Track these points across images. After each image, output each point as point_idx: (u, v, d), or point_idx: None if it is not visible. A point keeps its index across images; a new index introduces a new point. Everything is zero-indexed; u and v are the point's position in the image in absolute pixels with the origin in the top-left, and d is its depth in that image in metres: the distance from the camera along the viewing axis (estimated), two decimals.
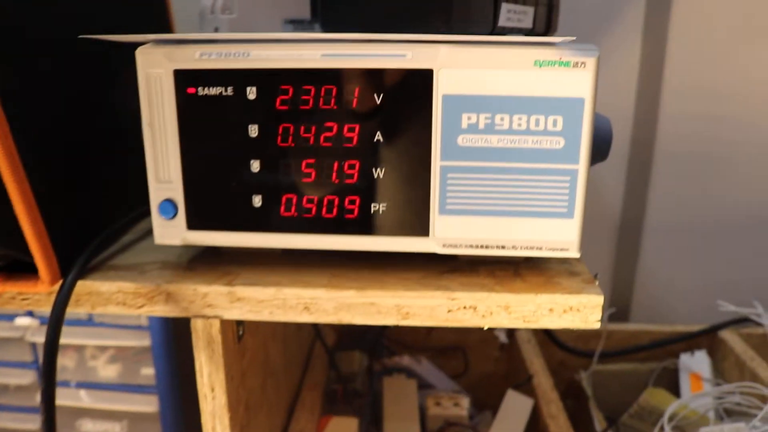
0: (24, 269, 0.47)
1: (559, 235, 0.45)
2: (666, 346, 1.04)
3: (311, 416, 0.77)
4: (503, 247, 0.45)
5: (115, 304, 0.48)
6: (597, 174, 1.08)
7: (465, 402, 0.86)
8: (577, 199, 0.44)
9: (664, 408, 0.92)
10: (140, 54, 0.44)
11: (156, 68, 0.44)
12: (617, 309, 1.13)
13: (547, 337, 1.02)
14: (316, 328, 0.91)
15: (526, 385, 0.87)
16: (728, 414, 0.89)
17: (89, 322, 0.85)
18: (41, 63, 0.47)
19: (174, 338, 0.84)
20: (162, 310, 0.48)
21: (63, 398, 0.88)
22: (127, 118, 0.51)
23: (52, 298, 0.47)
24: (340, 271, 0.49)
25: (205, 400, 0.51)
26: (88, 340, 0.85)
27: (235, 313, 0.47)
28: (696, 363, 1.00)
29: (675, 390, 0.99)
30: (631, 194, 1.08)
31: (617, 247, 1.11)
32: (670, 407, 0.82)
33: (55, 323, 0.46)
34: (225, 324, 0.49)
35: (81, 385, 0.87)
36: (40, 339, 0.87)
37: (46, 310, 0.48)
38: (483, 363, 1.05)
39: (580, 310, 0.46)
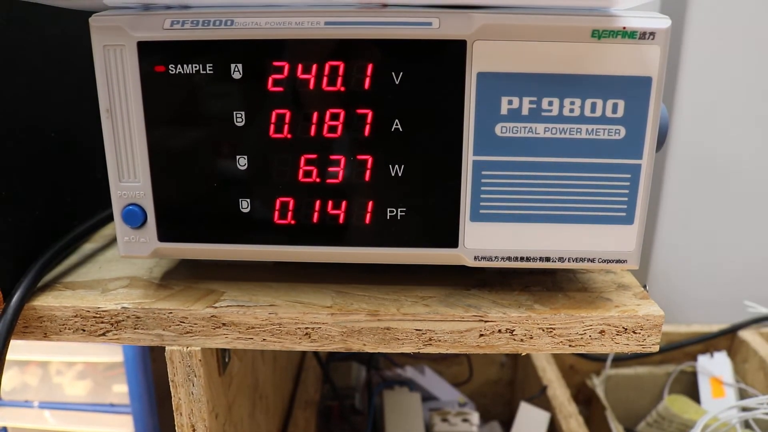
0: None
1: (616, 245, 0.37)
2: (683, 348, 0.98)
3: None
4: (548, 260, 0.37)
5: (72, 331, 0.40)
6: None
7: (474, 418, 0.79)
8: (638, 201, 0.36)
9: (685, 416, 0.86)
10: (95, 23, 0.35)
11: (115, 41, 0.35)
12: None
13: None
14: None
15: (540, 397, 0.80)
16: (757, 424, 0.82)
17: None
18: None
19: (151, 350, 0.75)
20: (130, 338, 0.39)
21: (25, 420, 0.79)
22: (86, 104, 0.42)
23: None
24: (345, 286, 0.41)
25: None
26: (52, 355, 0.75)
27: (219, 342, 0.39)
28: (716, 365, 0.94)
29: (693, 394, 0.93)
30: None
31: None
32: (701, 420, 0.75)
33: None
34: (207, 353, 0.41)
35: (45, 405, 0.78)
36: None
37: None
38: (488, 368, 0.98)
39: (636, 332, 0.39)
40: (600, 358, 0.96)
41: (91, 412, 0.78)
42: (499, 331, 0.38)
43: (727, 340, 0.97)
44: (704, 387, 0.93)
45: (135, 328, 0.39)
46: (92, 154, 0.44)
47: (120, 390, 0.78)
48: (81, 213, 0.47)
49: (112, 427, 0.78)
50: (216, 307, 0.38)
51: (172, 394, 0.41)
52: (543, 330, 0.38)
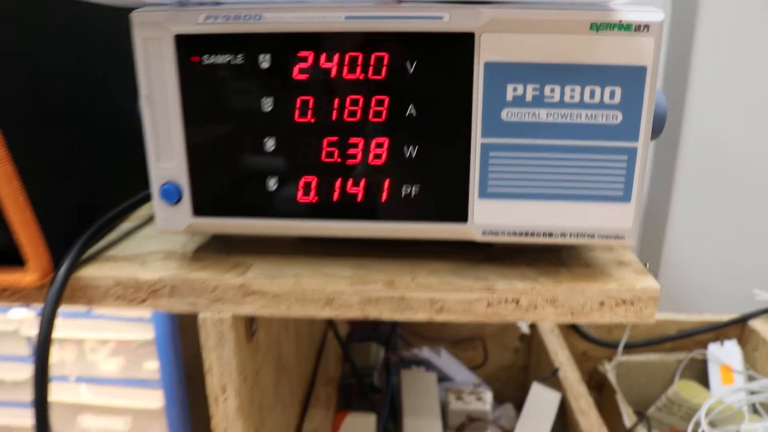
0: (15, 260, 0.42)
1: (614, 222, 0.40)
2: (694, 336, 1.00)
3: (326, 413, 0.72)
4: (550, 235, 0.40)
5: (114, 298, 0.43)
6: None
7: (488, 396, 0.82)
8: (635, 181, 0.39)
9: (694, 401, 0.88)
10: (136, 18, 0.38)
11: (154, 34, 0.39)
12: None
13: (569, 327, 0.98)
14: (329, 320, 0.86)
15: (551, 379, 0.82)
16: (765, 408, 0.84)
17: (88, 314, 0.80)
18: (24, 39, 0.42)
19: (180, 329, 0.79)
20: (166, 305, 0.43)
21: (62, 394, 0.83)
22: (127, 93, 0.45)
23: (44, 292, 0.42)
24: (364, 260, 0.44)
25: (216, 403, 0.46)
26: (87, 333, 0.80)
27: (248, 309, 0.42)
28: (726, 354, 0.96)
29: (704, 381, 0.95)
30: (656, 180, 1.03)
31: (642, 233, 1.07)
32: (706, 402, 0.78)
33: (47, 321, 0.41)
34: (237, 320, 0.44)
35: (81, 379, 0.82)
36: (36, 332, 0.82)
37: (39, 304, 0.43)
38: (502, 353, 1.01)
39: (634, 303, 0.41)
40: (612, 345, 0.98)
41: (124, 387, 0.83)
42: (506, 301, 0.41)
43: (737, 329, 0.99)
44: (714, 374, 0.95)
45: (170, 297, 0.43)
46: (130, 140, 0.48)
47: (151, 366, 0.82)
48: (119, 194, 0.50)
49: (144, 400, 0.82)
50: (245, 277, 0.42)
51: (204, 359, 0.45)
52: (546, 301, 0.41)
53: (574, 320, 0.42)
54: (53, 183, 0.43)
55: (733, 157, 1.02)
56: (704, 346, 0.99)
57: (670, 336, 1.00)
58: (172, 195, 0.41)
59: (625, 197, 0.39)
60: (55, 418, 0.85)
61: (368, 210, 0.41)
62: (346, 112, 0.39)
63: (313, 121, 0.39)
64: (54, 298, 0.41)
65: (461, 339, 0.98)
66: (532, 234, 0.40)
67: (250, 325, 0.48)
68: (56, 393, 0.82)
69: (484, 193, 0.40)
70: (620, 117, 0.38)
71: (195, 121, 0.40)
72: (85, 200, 0.47)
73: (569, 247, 0.47)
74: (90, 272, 0.43)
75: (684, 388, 0.91)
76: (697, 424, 0.77)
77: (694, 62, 0.98)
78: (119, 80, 0.49)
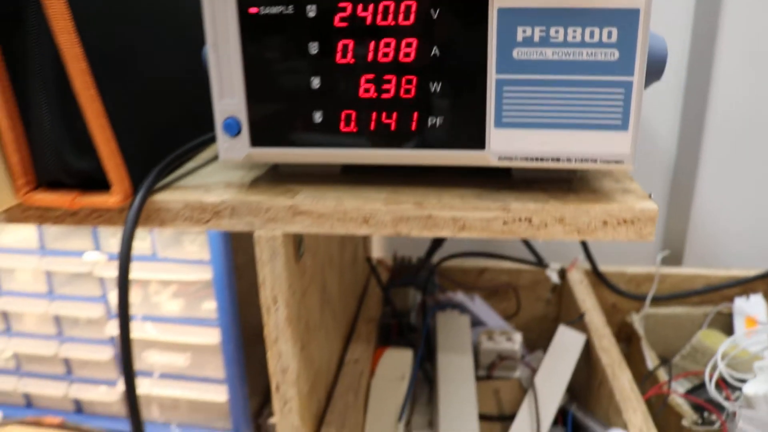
0: (102, 187, 0.50)
1: (614, 148, 0.45)
2: (721, 291, 1.04)
3: (367, 346, 0.80)
4: (558, 160, 0.46)
5: (183, 219, 0.51)
6: (650, 116, 1.06)
7: (517, 337, 0.88)
8: (631, 111, 0.44)
9: (718, 349, 0.92)
10: None
11: None
12: (671, 252, 1.12)
13: (599, 280, 1.03)
14: (371, 264, 0.93)
15: (578, 323, 0.88)
16: None
17: (153, 257, 0.88)
18: None
19: (234, 272, 0.87)
20: (227, 224, 0.50)
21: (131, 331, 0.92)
22: (194, 48, 0.53)
23: (124, 215, 0.49)
24: (398, 187, 0.51)
25: (269, 313, 0.53)
26: (152, 274, 0.88)
27: (297, 227, 0.49)
28: (751, 306, 0.99)
29: (729, 334, 0.98)
30: (685, 136, 1.06)
31: (671, 189, 1.10)
32: (722, 344, 0.82)
33: (127, 239, 0.48)
34: (287, 238, 0.52)
35: (147, 318, 0.91)
36: (108, 273, 0.91)
37: (119, 227, 0.51)
38: (534, 305, 1.06)
39: (634, 223, 0.47)
40: (640, 298, 1.03)
41: (185, 325, 0.91)
42: (520, 219, 0.47)
43: (763, 283, 1.03)
44: (739, 325, 0.99)
45: (230, 217, 0.50)
46: (197, 89, 0.55)
47: (209, 307, 0.90)
48: (188, 136, 0.58)
49: (203, 337, 0.90)
50: (294, 200, 0.49)
51: (258, 272, 0.52)
52: (556, 219, 0.47)
53: (580, 237, 0.48)
54: (134, 121, 0.51)
55: (762, 115, 1.04)
56: (731, 300, 1.02)
57: (697, 290, 1.04)
58: (232, 128, 0.48)
59: (623, 126, 0.45)
60: None
61: (400, 139, 0.47)
62: (380, 53, 0.46)
63: (352, 62, 0.46)
64: (133, 217, 0.49)
65: (495, 289, 1.03)
66: (542, 159, 0.46)
67: (298, 248, 0.55)
68: None
69: (499, 123, 0.46)
70: (617, 54, 0.43)
71: (252, 64, 0.47)
72: (160, 138, 0.54)
73: (579, 178, 0.52)
74: (162, 197, 0.51)
75: (708, 337, 0.95)
76: (714, 367, 0.81)
77: (723, 14, 1.00)
78: (188, 31, 0.56)
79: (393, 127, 0.47)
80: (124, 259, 0.49)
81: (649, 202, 0.47)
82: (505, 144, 0.46)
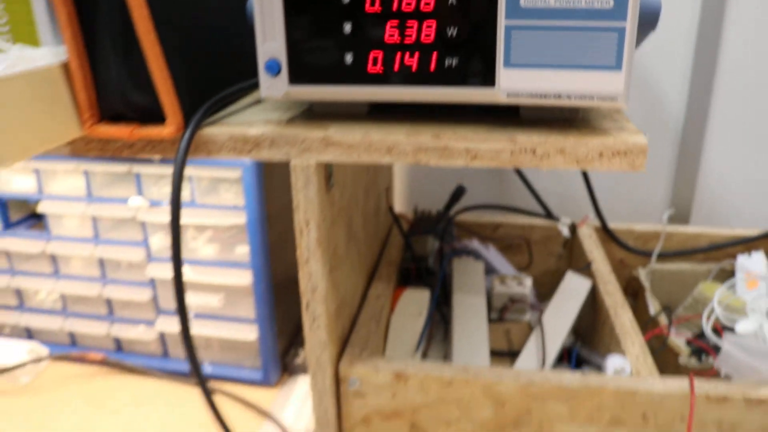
0: (154, 122, 0.57)
1: (609, 86, 0.51)
2: (724, 249, 1.09)
3: (388, 285, 0.86)
4: (559, 97, 0.52)
5: (227, 150, 0.58)
6: (660, 77, 1.11)
7: (528, 281, 0.94)
8: (624, 54, 0.50)
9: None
10: None
11: None
12: (677, 211, 1.18)
13: (608, 236, 1.09)
14: (392, 213, 1.00)
15: (585, 271, 0.94)
16: None
17: (192, 203, 0.96)
18: None
19: (267, 218, 0.94)
20: (267, 154, 0.57)
21: (170, 273, 1.00)
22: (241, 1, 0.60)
23: (176, 146, 0.56)
24: (417, 123, 0.57)
25: (301, 235, 0.60)
26: (190, 219, 0.96)
27: (329, 156, 0.56)
28: (753, 263, 1.04)
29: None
30: (694, 97, 1.11)
31: (679, 150, 1.15)
32: (717, 291, 0.88)
33: (180, 165, 0.55)
34: (319, 167, 0.58)
35: (185, 261, 0.98)
36: (150, 218, 0.99)
37: (171, 156, 0.57)
38: (546, 259, 1.13)
39: (627, 155, 0.53)
40: (647, 254, 1.09)
41: (219, 267, 0.99)
42: (525, 150, 0.54)
43: (765, 243, 1.08)
44: (740, 281, 1.05)
45: (270, 148, 0.57)
46: (242, 38, 0.62)
47: (242, 251, 0.98)
48: (231, 83, 0.65)
49: (236, 278, 0.98)
50: (326, 132, 0.56)
51: (293, 197, 0.59)
52: (557, 150, 0.53)
53: (579, 167, 0.54)
54: (187, 64, 0.58)
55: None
56: (734, 257, 1.07)
57: (702, 248, 1.10)
58: (273, 68, 0.55)
59: (617, 66, 0.51)
60: (164, 295, 1.02)
61: (421, 78, 0.54)
62: (404, 2, 0.52)
63: (379, 10, 0.52)
64: (185, 146, 0.56)
65: (509, 243, 1.10)
66: (545, 96, 0.53)
67: (328, 179, 0.62)
68: (166, 272, 0.99)
69: (507, 64, 0.52)
70: (612, 2, 0.49)
71: (291, 11, 0.54)
72: (208, 82, 0.61)
73: (581, 118, 0.59)
74: (210, 131, 0.58)
75: (709, 289, 1.00)
76: (712, 311, 0.87)
77: None
78: None
79: (414, 68, 0.53)
80: (176, 183, 0.56)
81: (640, 136, 0.53)
82: (512, 82, 0.52)
